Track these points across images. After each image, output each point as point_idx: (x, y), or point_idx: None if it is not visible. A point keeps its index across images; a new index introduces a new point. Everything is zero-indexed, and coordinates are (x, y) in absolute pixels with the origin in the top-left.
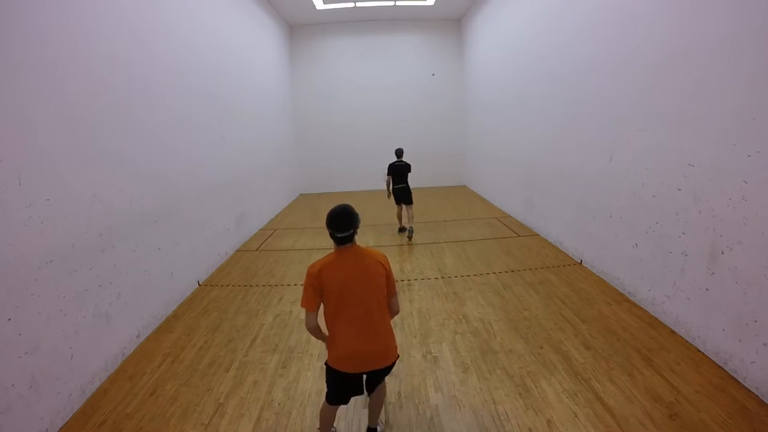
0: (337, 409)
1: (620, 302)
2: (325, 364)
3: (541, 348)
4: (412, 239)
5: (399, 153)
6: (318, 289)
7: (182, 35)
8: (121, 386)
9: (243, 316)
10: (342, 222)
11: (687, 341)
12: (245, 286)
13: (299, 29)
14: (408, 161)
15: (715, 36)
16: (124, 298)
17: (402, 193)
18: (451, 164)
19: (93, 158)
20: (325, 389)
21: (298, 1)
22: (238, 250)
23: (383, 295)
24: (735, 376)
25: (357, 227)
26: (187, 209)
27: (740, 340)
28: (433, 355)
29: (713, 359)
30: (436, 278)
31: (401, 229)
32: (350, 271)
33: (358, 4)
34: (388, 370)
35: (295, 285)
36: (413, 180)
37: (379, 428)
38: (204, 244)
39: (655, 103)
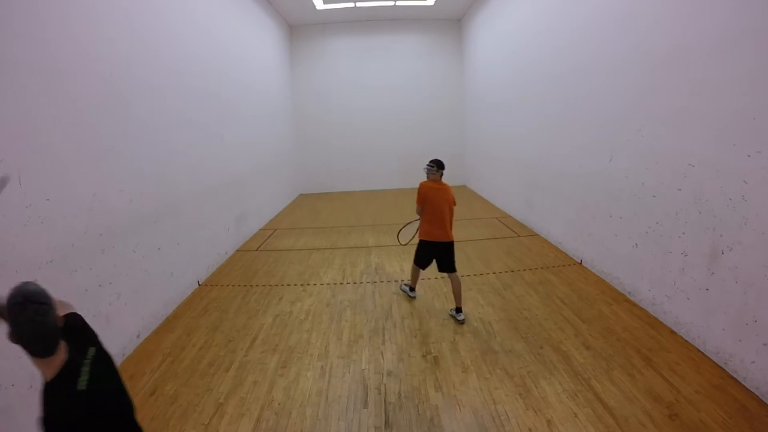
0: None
1: (620, 302)
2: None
3: (541, 348)
4: None
5: None
6: (424, 196)
7: (182, 35)
8: None
9: (243, 316)
10: (442, 165)
11: (687, 341)
12: (245, 286)
13: (299, 29)
14: None
15: (714, 36)
16: (124, 298)
17: None
18: (451, 164)
19: (93, 158)
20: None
21: (298, 1)
22: (238, 250)
23: (452, 208)
24: (735, 376)
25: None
26: (187, 209)
27: (740, 340)
28: (433, 355)
29: (713, 359)
30: (436, 278)
31: None
32: (441, 193)
33: (358, 4)
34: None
35: (295, 285)
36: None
37: (460, 315)
38: (204, 244)
39: (654, 103)
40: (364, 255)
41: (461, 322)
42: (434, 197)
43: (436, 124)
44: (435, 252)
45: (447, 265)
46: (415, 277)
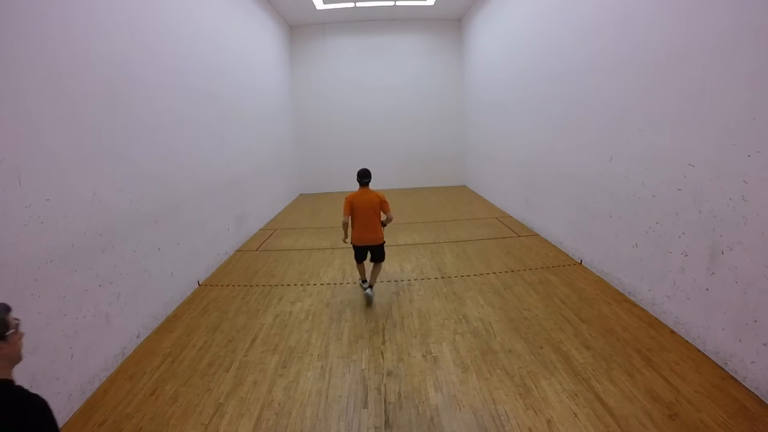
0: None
1: (620, 302)
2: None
3: (541, 348)
4: None
5: None
6: (349, 205)
7: (182, 35)
8: (121, 386)
9: (243, 316)
10: (366, 175)
11: (687, 341)
12: (245, 286)
13: (299, 29)
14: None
15: (715, 36)
16: (124, 298)
17: None
18: (451, 164)
19: (93, 158)
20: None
21: (298, 1)
22: (238, 250)
23: (378, 210)
24: (735, 376)
25: (370, 179)
26: (187, 209)
27: (740, 340)
28: (433, 355)
29: (713, 359)
30: (436, 278)
31: None
32: (364, 198)
33: (358, 4)
34: (380, 247)
35: (295, 285)
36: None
37: (370, 291)
38: (204, 244)
39: (655, 103)
40: None
41: (370, 295)
42: (359, 204)
43: (436, 124)
44: (367, 248)
45: (377, 257)
46: (361, 271)
